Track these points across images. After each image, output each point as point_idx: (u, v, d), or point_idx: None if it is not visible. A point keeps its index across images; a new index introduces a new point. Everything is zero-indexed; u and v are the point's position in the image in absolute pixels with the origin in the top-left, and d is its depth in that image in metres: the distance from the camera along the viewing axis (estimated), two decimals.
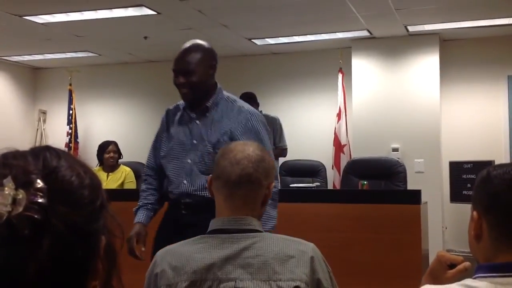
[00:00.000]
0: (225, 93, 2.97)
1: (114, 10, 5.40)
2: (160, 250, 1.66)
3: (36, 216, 0.75)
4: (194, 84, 2.81)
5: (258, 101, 5.64)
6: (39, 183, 0.77)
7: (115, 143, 5.81)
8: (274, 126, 5.55)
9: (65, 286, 0.80)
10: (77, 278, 0.82)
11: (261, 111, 5.63)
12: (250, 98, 5.56)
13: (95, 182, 0.86)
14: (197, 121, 2.78)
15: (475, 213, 1.29)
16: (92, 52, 7.32)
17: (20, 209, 0.75)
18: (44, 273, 0.76)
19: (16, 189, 0.76)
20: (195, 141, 2.72)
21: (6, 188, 0.76)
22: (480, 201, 1.30)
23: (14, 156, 0.82)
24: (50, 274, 0.77)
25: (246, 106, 2.90)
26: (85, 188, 0.83)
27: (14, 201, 0.75)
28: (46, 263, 0.76)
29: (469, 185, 5.69)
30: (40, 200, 0.76)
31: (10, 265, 0.76)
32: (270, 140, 2.81)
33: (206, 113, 2.79)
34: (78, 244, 0.80)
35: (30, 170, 0.79)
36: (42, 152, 0.84)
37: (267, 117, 5.61)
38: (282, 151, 5.54)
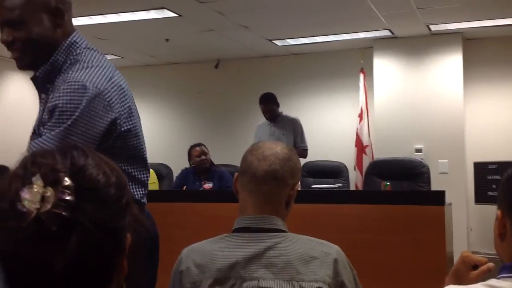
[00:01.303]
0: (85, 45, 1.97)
1: (136, 13, 5.46)
2: (185, 248, 1.68)
3: (64, 213, 0.77)
4: (26, 41, 1.90)
5: (279, 101, 5.64)
6: (67, 181, 0.79)
7: None
8: (294, 127, 5.55)
9: (91, 282, 0.82)
10: (103, 274, 0.84)
11: (281, 112, 5.66)
12: (270, 98, 5.57)
13: (121, 181, 0.88)
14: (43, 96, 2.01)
15: (499, 211, 1.28)
16: (115, 55, 7.40)
17: (49, 206, 0.77)
18: (71, 269, 0.78)
19: (44, 186, 0.78)
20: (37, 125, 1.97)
21: (35, 186, 0.78)
22: (504, 199, 1.29)
23: (43, 154, 0.84)
24: (77, 270, 0.79)
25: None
26: (112, 186, 0.85)
27: (43, 199, 0.77)
28: (73, 259, 0.78)
29: (494, 186, 5.62)
30: (67, 198, 0.78)
31: (39, 260, 0.78)
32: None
33: (48, 86, 1.95)
34: (104, 241, 0.81)
35: (58, 168, 0.81)
36: (69, 151, 0.85)
37: (287, 118, 5.61)
38: (303, 152, 5.53)
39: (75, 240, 0.78)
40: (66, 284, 0.79)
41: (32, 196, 0.77)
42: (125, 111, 1.91)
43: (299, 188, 2.75)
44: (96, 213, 0.80)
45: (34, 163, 0.82)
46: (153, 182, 5.70)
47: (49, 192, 0.78)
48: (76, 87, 1.77)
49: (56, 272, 0.77)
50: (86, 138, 1.75)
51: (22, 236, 0.78)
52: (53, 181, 0.79)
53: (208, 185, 5.20)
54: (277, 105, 5.59)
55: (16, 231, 0.78)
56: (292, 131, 5.52)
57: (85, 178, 0.82)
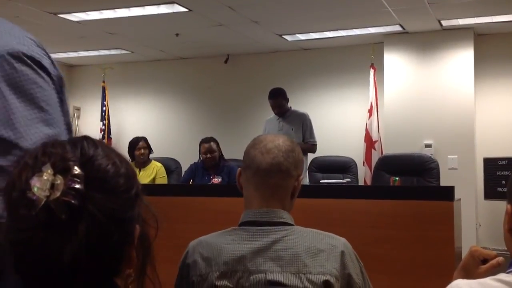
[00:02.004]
0: None
1: (146, 7, 5.46)
2: (192, 241, 1.68)
3: (73, 202, 0.78)
4: None
5: (288, 96, 5.63)
6: (77, 170, 0.80)
7: (145, 139, 5.84)
8: (303, 122, 5.54)
9: (100, 271, 0.83)
10: (111, 264, 0.84)
11: (290, 107, 5.64)
12: (279, 93, 5.56)
13: (131, 172, 0.89)
14: None
15: (509, 206, 1.27)
16: (124, 50, 7.42)
17: (58, 194, 0.78)
18: (79, 257, 0.79)
19: (54, 175, 0.79)
20: None
21: (45, 174, 0.79)
22: None
23: (53, 145, 0.85)
24: (85, 258, 0.79)
25: None
26: (121, 176, 0.86)
27: (52, 186, 0.78)
28: (82, 247, 0.78)
29: (503, 182, 5.59)
30: (77, 186, 0.79)
31: (48, 248, 0.79)
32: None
33: None
34: (113, 230, 0.82)
35: (68, 157, 0.82)
36: (80, 142, 0.86)
37: (296, 113, 5.60)
38: (312, 147, 5.52)
39: (84, 228, 0.79)
40: (74, 272, 0.80)
41: (42, 183, 0.78)
42: None
43: (307, 183, 2.73)
44: (105, 203, 0.81)
45: (45, 153, 0.83)
46: (162, 177, 5.71)
47: (59, 180, 0.79)
48: None
49: (64, 261, 0.78)
50: None
51: (32, 224, 0.78)
52: (62, 170, 0.80)
53: (217, 180, 5.20)
54: (286, 100, 5.58)
55: (26, 219, 0.79)
56: (301, 126, 5.51)
57: (94, 168, 0.83)
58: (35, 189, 0.78)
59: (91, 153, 0.85)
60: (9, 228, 0.81)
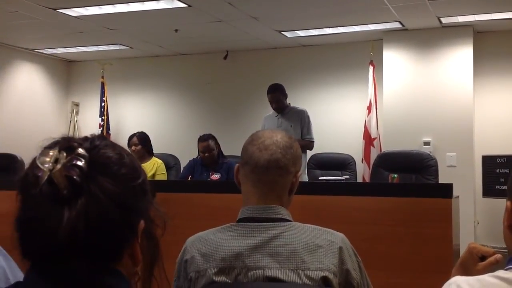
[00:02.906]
0: None
1: (145, 3, 5.45)
2: (190, 237, 1.68)
3: (75, 177, 0.81)
4: None
5: (287, 93, 5.62)
6: (81, 151, 0.84)
7: (139, 136, 5.75)
8: (301, 118, 5.52)
9: (99, 251, 0.83)
10: (111, 245, 0.85)
11: (289, 104, 5.63)
12: (277, 88, 5.54)
13: (135, 165, 0.92)
14: None
15: (508, 203, 1.27)
16: (123, 45, 7.41)
17: (59, 166, 0.81)
18: (77, 234, 0.80)
19: (59, 152, 0.83)
20: None
21: (51, 151, 0.83)
22: None
23: (67, 137, 0.90)
24: (84, 233, 0.80)
25: None
26: (124, 165, 0.88)
27: (56, 161, 0.82)
28: (81, 221, 0.80)
29: (502, 180, 5.59)
30: (80, 164, 0.82)
31: (48, 223, 0.80)
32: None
33: None
34: (113, 211, 0.83)
35: (75, 141, 0.87)
36: (91, 136, 0.92)
37: (295, 109, 5.59)
38: (309, 144, 5.50)
39: (83, 202, 0.81)
40: (73, 248, 0.80)
41: (47, 157, 0.82)
42: None
43: (307, 180, 2.72)
44: (106, 185, 0.83)
45: (56, 142, 0.87)
46: (161, 173, 5.70)
47: (62, 155, 0.83)
48: None
49: (63, 233, 0.79)
50: None
51: (37, 200, 0.81)
52: (68, 148, 0.84)
53: (215, 176, 5.20)
54: (285, 96, 5.56)
55: (32, 197, 0.82)
56: (300, 122, 5.50)
57: (99, 154, 0.87)
58: (39, 161, 0.82)
59: (97, 142, 0.89)
60: (18, 209, 0.84)
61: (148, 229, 0.92)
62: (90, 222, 0.81)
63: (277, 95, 5.49)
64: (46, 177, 0.81)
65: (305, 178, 5.52)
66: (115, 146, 0.91)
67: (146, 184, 0.92)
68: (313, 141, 5.55)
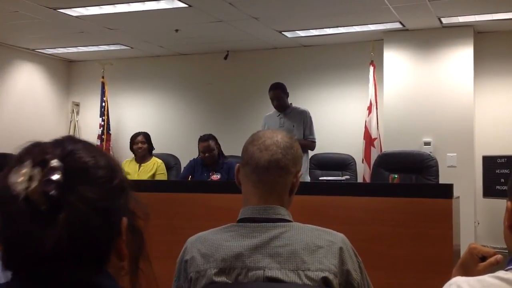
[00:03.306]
0: None
1: (146, 3, 5.45)
2: (190, 237, 1.68)
3: (52, 192, 0.79)
4: None
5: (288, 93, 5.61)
6: (55, 162, 0.82)
7: (144, 134, 5.85)
8: (304, 119, 5.52)
9: (85, 259, 0.83)
10: (97, 252, 0.85)
11: (291, 104, 5.63)
12: (278, 86, 5.53)
13: (112, 164, 0.90)
14: None
15: (509, 203, 1.27)
16: (124, 45, 7.41)
17: (35, 184, 0.79)
18: (62, 246, 0.80)
19: (32, 167, 0.81)
20: None
21: (24, 168, 0.81)
22: None
23: (35, 144, 0.88)
24: (68, 248, 0.80)
25: None
26: (100, 168, 0.87)
27: (31, 178, 0.80)
28: (63, 235, 0.80)
29: (502, 180, 5.59)
30: (55, 177, 0.80)
31: (30, 239, 0.80)
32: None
33: None
34: (94, 219, 0.83)
35: (48, 152, 0.84)
36: (62, 140, 0.89)
37: (297, 109, 5.59)
38: (311, 144, 5.50)
39: (64, 217, 0.80)
40: (60, 261, 0.81)
41: (20, 176, 0.80)
42: None
43: (309, 180, 2.71)
44: (84, 192, 0.82)
45: (27, 152, 0.85)
46: (161, 173, 5.71)
47: (36, 171, 0.80)
48: None
49: (46, 249, 0.79)
50: None
51: (17, 217, 0.80)
52: (41, 162, 0.82)
53: (216, 176, 5.20)
54: (286, 94, 5.54)
55: (11, 214, 0.80)
56: (302, 122, 5.49)
57: (74, 160, 0.85)
58: (14, 183, 0.80)
59: (70, 148, 0.87)
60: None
61: (132, 224, 0.92)
62: (73, 234, 0.80)
63: (278, 93, 5.48)
64: (22, 196, 0.79)
65: (307, 178, 5.51)
66: (88, 148, 0.89)
67: (124, 181, 0.91)
68: (315, 142, 5.55)
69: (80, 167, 0.85)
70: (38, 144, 0.87)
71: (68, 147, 0.87)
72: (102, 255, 0.86)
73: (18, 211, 0.79)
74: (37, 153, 0.84)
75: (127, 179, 0.93)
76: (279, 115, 5.56)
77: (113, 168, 0.90)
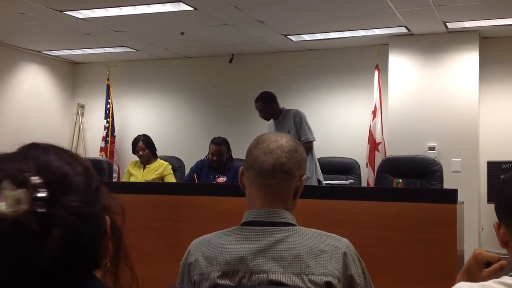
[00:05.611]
0: None
1: (152, 5, 5.47)
2: (194, 240, 1.68)
3: (40, 211, 0.78)
4: None
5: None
6: (36, 179, 0.80)
7: (143, 139, 5.71)
8: (294, 119, 5.42)
9: (80, 267, 0.84)
10: (90, 260, 0.86)
11: (283, 108, 5.55)
12: (259, 99, 5.51)
13: (86, 166, 0.90)
14: None
15: (495, 223, 1.28)
16: (129, 48, 7.43)
17: (25, 207, 0.78)
18: (57, 260, 0.80)
19: (16, 189, 0.79)
20: None
21: (6, 191, 0.78)
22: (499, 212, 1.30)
23: (4, 159, 0.85)
24: (63, 261, 0.80)
25: None
26: (79, 174, 0.86)
27: (18, 201, 0.78)
28: (58, 251, 0.79)
29: None
30: (41, 195, 0.79)
31: (25, 258, 0.79)
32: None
33: None
34: (85, 227, 0.83)
35: (24, 169, 0.82)
36: (29, 151, 0.87)
37: (287, 113, 5.50)
38: (307, 145, 5.29)
39: (57, 233, 0.79)
40: (55, 274, 0.80)
41: (6, 199, 0.78)
42: None
43: (317, 184, 2.70)
44: (69, 203, 0.82)
45: (3, 175, 0.81)
46: (170, 173, 5.68)
47: (22, 193, 0.78)
48: None
49: (43, 266, 0.79)
50: None
51: (8, 238, 0.79)
52: (22, 182, 0.79)
53: (221, 179, 5.19)
54: (270, 103, 5.46)
55: (3, 236, 0.79)
56: (294, 125, 5.44)
57: (51, 172, 0.83)
58: (3, 207, 0.78)
59: (43, 159, 0.85)
60: None
61: (112, 221, 0.93)
62: (67, 247, 0.80)
63: (259, 105, 5.47)
64: (11, 219, 0.77)
65: (315, 181, 5.40)
66: (61, 156, 0.87)
67: (98, 180, 0.91)
68: (311, 141, 5.42)
69: (60, 178, 0.83)
70: (6, 159, 0.84)
71: (41, 159, 0.85)
72: (95, 262, 0.87)
73: (9, 233, 0.78)
74: (12, 170, 0.81)
75: (98, 176, 0.92)
76: (275, 121, 5.55)
77: (89, 170, 0.90)
